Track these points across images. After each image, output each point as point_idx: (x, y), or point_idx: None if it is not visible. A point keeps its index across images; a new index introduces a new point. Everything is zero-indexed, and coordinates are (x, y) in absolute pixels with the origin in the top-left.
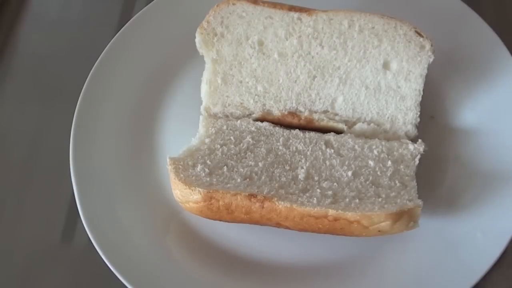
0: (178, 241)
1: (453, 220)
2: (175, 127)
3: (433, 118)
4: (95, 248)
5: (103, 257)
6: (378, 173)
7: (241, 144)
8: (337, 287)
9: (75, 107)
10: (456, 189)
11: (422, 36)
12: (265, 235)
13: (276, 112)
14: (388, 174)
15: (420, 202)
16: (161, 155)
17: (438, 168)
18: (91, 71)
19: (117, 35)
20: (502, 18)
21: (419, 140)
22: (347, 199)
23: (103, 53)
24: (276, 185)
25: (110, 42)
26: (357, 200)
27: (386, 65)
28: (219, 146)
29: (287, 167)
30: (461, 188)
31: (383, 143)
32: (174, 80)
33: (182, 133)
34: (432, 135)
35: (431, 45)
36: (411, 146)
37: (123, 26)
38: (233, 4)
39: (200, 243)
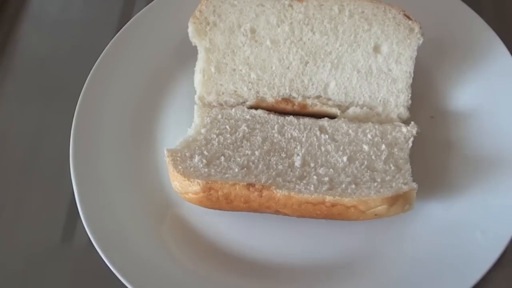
0: (179, 241)
1: (453, 220)
2: (175, 127)
3: (433, 118)
4: (95, 248)
5: (103, 257)
6: (373, 157)
7: (237, 133)
8: (337, 287)
9: (75, 107)
10: (456, 189)
11: (411, 19)
12: (266, 234)
13: (270, 99)
14: (383, 158)
15: (414, 185)
16: (162, 155)
17: (438, 165)
18: (91, 71)
19: (117, 35)
20: (502, 18)
21: (412, 123)
22: (343, 185)
23: (103, 53)
24: (273, 173)
25: (110, 42)
26: (353, 186)
27: (376, 49)
28: (215, 136)
29: (283, 155)
30: (461, 188)
31: (376, 126)
32: (174, 80)
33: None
34: (430, 126)
35: (420, 28)
36: (404, 129)
37: (123, 26)
38: None
39: (201, 243)
